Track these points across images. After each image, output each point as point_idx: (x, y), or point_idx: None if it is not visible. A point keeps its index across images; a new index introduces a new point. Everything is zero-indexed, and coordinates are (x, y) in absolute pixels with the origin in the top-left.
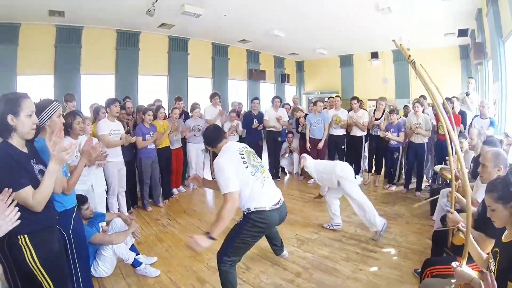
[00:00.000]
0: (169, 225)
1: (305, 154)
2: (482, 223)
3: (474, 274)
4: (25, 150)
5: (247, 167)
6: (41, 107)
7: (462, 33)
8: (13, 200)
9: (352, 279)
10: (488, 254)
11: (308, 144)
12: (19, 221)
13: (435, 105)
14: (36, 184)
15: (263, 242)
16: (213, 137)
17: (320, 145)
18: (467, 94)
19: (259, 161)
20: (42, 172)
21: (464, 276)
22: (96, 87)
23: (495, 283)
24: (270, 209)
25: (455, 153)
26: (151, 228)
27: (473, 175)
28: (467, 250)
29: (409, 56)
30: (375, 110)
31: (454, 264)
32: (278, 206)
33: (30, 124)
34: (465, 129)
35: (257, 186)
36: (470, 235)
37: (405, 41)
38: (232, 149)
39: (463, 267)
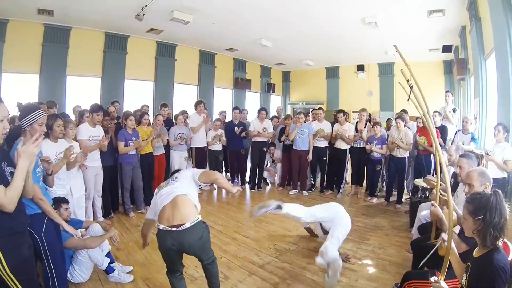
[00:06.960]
0: None
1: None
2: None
3: None
4: None
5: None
6: (26, 111)
7: (446, 49)
8: None
9: None
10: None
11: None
12: None
13: (428, 127)
14: (7, 185)
15: (240, 252)
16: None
17: (309, 157)
18: (454, 111)
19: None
20: (13, 175)
21: None
22: (82, 89)
23: None
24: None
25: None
26: (131, 234)
27: (452, 189)
28: (446, 266)
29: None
30: (357, 122)
31: (432, 279)
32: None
33: (1, 129)
34: (444, 143)
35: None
36: (453, 246)
37: (390, 55)
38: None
39: (441, 283)
